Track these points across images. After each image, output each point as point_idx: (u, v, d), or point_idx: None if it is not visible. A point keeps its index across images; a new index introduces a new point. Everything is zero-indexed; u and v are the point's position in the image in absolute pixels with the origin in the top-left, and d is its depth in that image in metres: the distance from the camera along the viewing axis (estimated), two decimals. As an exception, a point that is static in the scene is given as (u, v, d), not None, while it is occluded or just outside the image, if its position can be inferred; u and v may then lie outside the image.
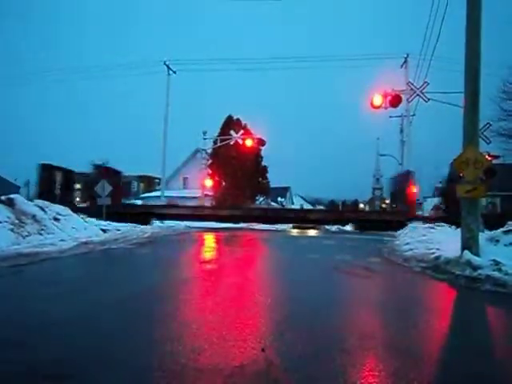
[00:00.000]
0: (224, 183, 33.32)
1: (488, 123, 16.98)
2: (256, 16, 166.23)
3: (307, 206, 55.64)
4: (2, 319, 3.77)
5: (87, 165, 24.29)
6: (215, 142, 33.05)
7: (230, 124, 33.28)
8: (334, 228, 24.98)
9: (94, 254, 9.36)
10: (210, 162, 33.67)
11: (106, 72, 62.44)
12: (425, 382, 2.61)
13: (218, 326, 3.70)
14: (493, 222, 9.94)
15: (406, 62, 25.53)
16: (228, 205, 28.46)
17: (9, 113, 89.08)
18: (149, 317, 3.98)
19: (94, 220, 15.11)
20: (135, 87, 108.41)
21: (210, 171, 32.95)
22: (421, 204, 35.29)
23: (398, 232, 13.96)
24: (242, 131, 30.16)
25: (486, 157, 9.13)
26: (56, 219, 11.92)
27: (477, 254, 6.85)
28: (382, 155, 41.06)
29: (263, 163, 36.34)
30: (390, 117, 28.33)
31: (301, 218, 24.63)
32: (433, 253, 8.04)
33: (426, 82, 20.25)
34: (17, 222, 10.17)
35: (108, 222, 16.32)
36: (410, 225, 15.99)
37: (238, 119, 34.60)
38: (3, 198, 11.32)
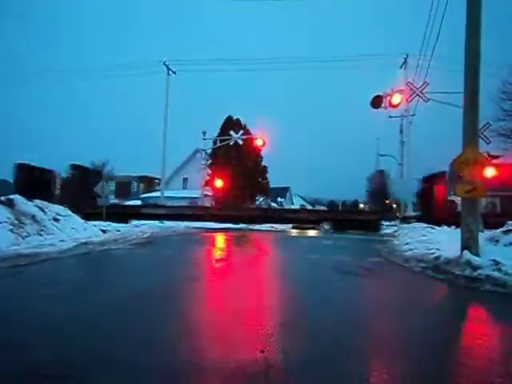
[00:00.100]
0: (224, 183, 33.32)
1: (488, 123, 16.99)
2: (256, 16, 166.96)
3: (307, 207, 55.67)
4: (2, 320, 3.77)
5: (87, 165, 24.32)
6: (215, 143, 33.08)
7: (230, 124, 33.31)
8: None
9: (93, 255, 9.37)
10: (209, 162, 33.70)
11: (106, 72, 62.25)
12: (425, 382, 2.61)
13: (218, 326, 3.70)
14: (493, 221, 9.94)
15: (405, 62, 25.52)
16: (228, 205, 28.47)
17: (9, 113, 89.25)
18: (149, 317, 3.98)
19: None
20: (135, 87, 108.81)
21: (210, 171, 32.98)
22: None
23: (398, 232, 13.98)
24: (241, 131, 30.20)
25: (486, 157, 9.13)
26: (55, 220, 11.91)
27: (476, 254, 6.85)
28: (381, 155, 41.01)
29: (263, 163, 36.30)
30: (390, 117, 28.34)
31: (295, 219, 24.90)
32: (433, 253, 8.05)
33: (425, 82, 20.28)
34: (16, 222, 10.15)
35: (108, 222, 16.30)
36: (410, 225, 16.02)
37: (237, 119, 34.62)
38: (3, 198, 11.28)
